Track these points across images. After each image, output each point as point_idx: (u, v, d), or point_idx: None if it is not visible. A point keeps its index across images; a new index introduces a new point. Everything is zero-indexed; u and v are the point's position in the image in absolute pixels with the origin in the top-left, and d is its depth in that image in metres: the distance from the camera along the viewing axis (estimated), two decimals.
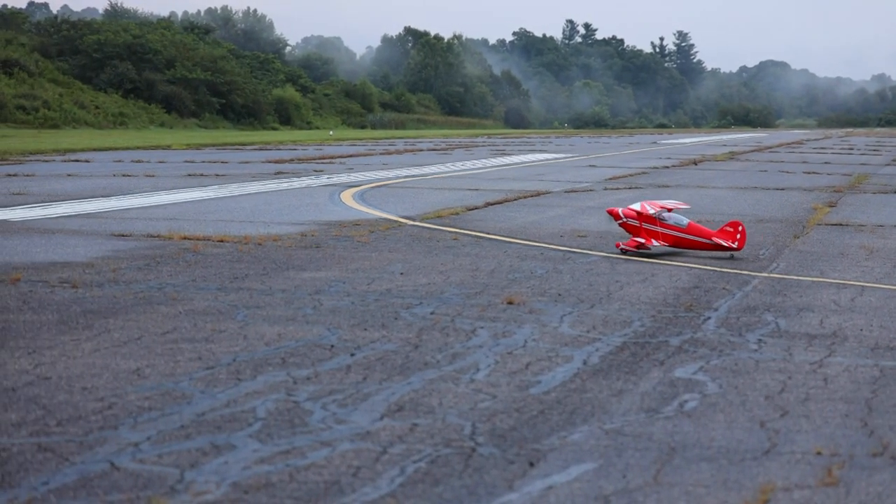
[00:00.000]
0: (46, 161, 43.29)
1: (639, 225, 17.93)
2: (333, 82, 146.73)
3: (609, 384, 9.16)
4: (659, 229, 17.82)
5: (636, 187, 33.67)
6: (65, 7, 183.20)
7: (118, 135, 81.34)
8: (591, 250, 17.94)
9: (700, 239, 17.74)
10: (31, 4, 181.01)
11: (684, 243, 17.80)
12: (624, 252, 17.58)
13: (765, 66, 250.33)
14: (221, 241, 17.80)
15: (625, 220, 18.09)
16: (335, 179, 35.12)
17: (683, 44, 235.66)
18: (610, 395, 8.83)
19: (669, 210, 18.32)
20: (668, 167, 46.79)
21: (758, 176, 40.72)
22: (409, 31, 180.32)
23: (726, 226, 17.83)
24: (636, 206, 18.12)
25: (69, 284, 13.27)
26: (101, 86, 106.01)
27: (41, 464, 6.72)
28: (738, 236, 17.51)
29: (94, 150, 54.01)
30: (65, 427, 7.47)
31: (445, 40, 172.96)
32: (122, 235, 18.44)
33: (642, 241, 17.62)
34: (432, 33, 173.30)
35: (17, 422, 7.55)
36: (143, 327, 10.87)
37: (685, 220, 18.03)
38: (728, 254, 17.55)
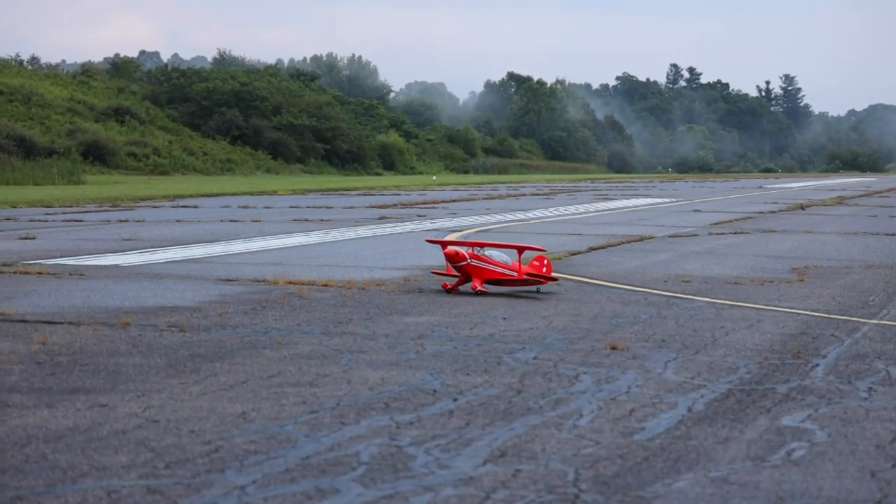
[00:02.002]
0: (156, 207, 44.05)
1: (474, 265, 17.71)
2: (436, 128, 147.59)
3: (714, 431, 9.06)
4: (486, 266, 17.70)
5: (742, 232, 33.35)
6: (175, 56, 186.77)
7: (225, 180, 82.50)
8: (695, 296, 17.79)
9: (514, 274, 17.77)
10: (142, 53, 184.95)
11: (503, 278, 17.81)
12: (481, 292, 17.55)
13: (874, 110, 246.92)
14: (325, 285, 17.95)
15: (469, 261, 17.66)
16: (438, 224, 35.26)
17: (790, 87, 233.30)
18: (715, 442, 8.73)
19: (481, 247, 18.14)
20: (774, 212, 46.29)
21: (867, 221, 40.13)
22: (512, 77, 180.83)
23: (534, 260, 18.10)
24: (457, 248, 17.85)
25: (177, 328, 13.47)
26: (209, 132, 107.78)
27: None
28: (545, 269, 17.97)
29: (202, 195, 54.86)
30: (173, 469, 7.57)
31: (548, 85, 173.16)
32: (229, 280, 18.68)
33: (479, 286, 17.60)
34: (535, 78, 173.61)
35: (126, 464, 7.66)
36: (249, 371, 11.00)
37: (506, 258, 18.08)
38: (535, 288, 17.89)
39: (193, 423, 8.83)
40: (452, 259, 17.56)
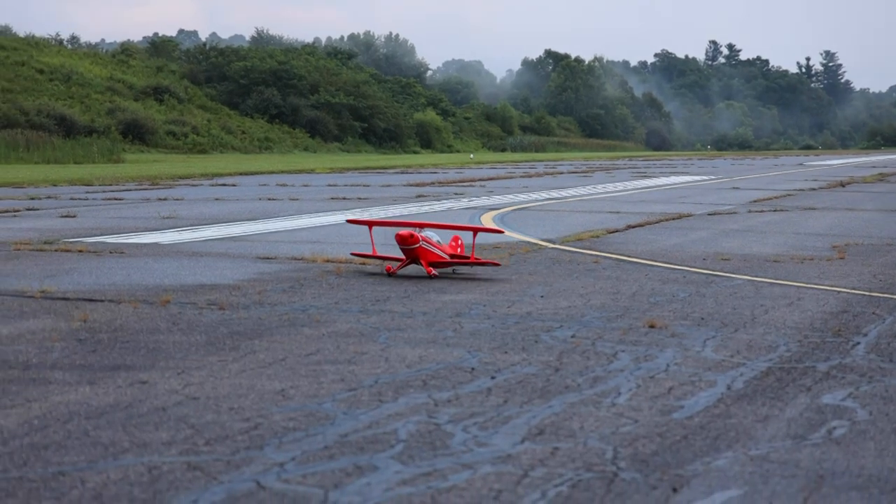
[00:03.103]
0: (195, 185, 44.23)
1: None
2: (474, 105, 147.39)
3: (754, 410, 9.03)
4: (432, 248, 16.83)
5: (781, 210, 33.16)
6: (213, 34, 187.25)
7: (264, 159, 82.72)
8: (734, 273, 17.71)
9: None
10: (180, 32, 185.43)
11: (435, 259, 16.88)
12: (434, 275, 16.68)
13: None
14: (363, 263, 17.98)
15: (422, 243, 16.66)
16: (475, 202, 35.24)
17: (830, 63, 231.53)
18: (755, 420, 8.70)
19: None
20: (814, 189, 46.01)
21: None
22: (550, 54, 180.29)
23: (451, 240, 17.47)
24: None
25: (216, 306, 13.53)
26: (247, 111, 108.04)
27: (191, 482, 6.86)
28: (460, 250, 17.36)
29: (241, 174, 55.02)
30: (213, 446, 7.62)
31: (586, 62, 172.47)
32: (267, 258, 18.74)
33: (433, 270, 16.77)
34: (573, 56, 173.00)
35: (167, 441, 7.72)
36: (288, 349, 11.04)
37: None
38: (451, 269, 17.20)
39: (233, 401, 8.88)
40: (406, 241, 16.43)
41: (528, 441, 7.95)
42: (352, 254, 18.18)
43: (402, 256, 16.97)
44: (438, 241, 16.96)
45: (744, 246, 22.12)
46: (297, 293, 14.83)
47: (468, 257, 17.25)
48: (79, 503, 6.44)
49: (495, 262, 17.24)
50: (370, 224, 18.30)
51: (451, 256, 17.07)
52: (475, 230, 17.80)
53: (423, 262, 16.64)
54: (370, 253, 17.62)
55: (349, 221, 19.28)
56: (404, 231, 16.62)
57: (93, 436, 7.78)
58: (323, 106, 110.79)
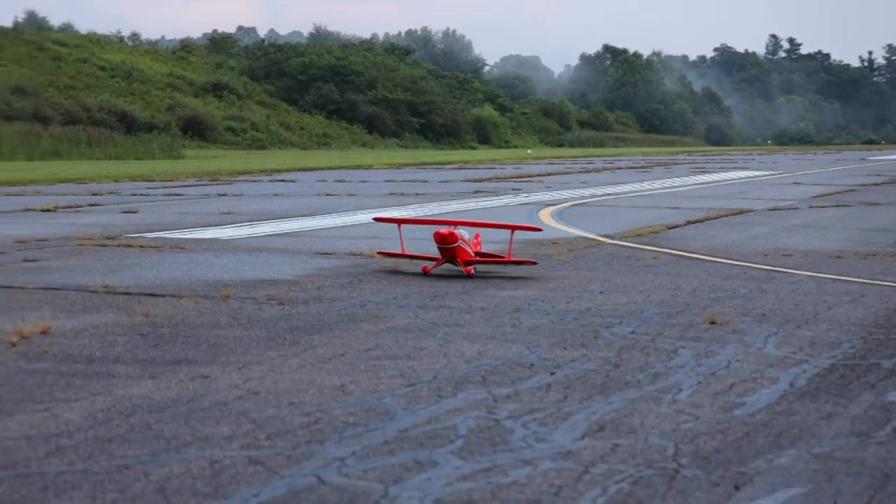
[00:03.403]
0: (254, 181, 44.48)
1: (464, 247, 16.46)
2: (531, 101, 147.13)
3: (817, 407, 8.95)
4: (466, 246, 16.43)
5: (844, 205, 32.86)
6: (271, 31, 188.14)
7: (322, 155, 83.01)
8: (796, 269, 17.57)
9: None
10: (239, 29, 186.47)
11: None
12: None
13: None
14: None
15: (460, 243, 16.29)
16: (533, 198, 35.18)
17: (893, 57, 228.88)
18: (818, 418, 8.62)
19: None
20: (877, 184, 45.55)
21: None
22: (608, 49, 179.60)
23: (473, 238, 16.83)
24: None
25: (276, 301, 13.59)
26: (305, 107, 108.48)
27: (252, 476, 6.89)
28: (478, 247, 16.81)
29: (299, 169, 55.26)
30: (274, 441, 7.65)
31: (644, 57, 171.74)
32: (326, 254, 18.81)
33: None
34: (631, 50, 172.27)
35: (228, 435, 7.76)
36: (347, 344, 11.07)
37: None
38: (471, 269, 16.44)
39: (293, 395, 8.91)
40: (446, 240, 16.07)
41: (588, 437, 7.92)
42: (378, 252, 17.73)
43: (424, 254, 16.83)
44: (469, 240, 16.65)
45: (805, 242, 21.93)
46: (356, 288, 14.87)
47: (502, 256, 16.98)
48: (142, 496, 6.49)
49: (531, 260, 16.86)
50: (399, 222, 18.05)
51: (480, 254, 16.75)
52: (512, 228, 17.43)
53: (459, 260, 16.28)
54: (398, 251, 17.21)
55: (376, 220, 19.01)
56: (444, 229, 16.25)
57: (155, 429, 7.84)
58: (380, 102, 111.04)
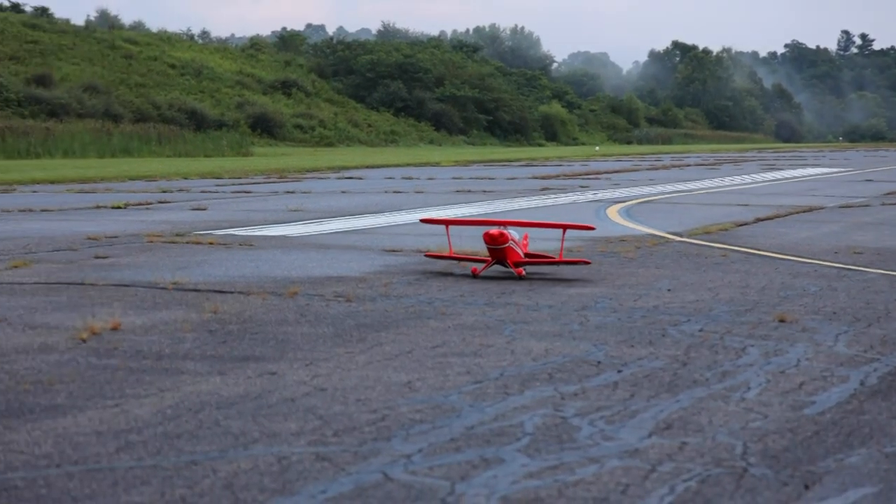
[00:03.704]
0: (322, 178, 44.70)
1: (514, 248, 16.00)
2: (599, 98, 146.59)
3: (889, 406, 8.84)
4: (516, 247, 16.00)
5: None
6: (340, 28, 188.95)
7: (389, 152, 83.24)
8: (867, 267, 17.36)
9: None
10: (308, 26, 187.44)
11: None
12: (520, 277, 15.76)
13: None
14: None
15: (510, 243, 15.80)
16: (601, 195, 35.06)
17: None
18: (890, 417, 8.52)
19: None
20: None
21: None
22: (677, 45, 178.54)
23: (522, 238, 16.44)
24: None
25: (343, 298, 13.64)
26: (373, 104, 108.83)
27: (319, 473, 6.92)
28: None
29: (367, 167, 55.45)
30: (341, 437, 7.68)
31: (714, 53, 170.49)
32: (393, 251, 18.85)
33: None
34: (700, 47, 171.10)
35: (296, 431, 7.80)
36: (414, 341, 11.08)
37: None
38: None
39: (360, 392, 8.94)
40: (497, 240, 15.62)
41: (655, 435, 7.88)
42: (426, 255, 17.24)
43: (473, 255, 16.45)
44: (518, 241, 16.20)
45: (877, 239, 21.67)
46: (423, 285, 14.89)
47: (553, 256, 16.56)
48: (210, 492, 6.54)
49: (584, 260, 16.28)
50: (446, 223, 17.31)
51: (530, 255, 16.34)
52: (564, 227, 16.78)
53: (509, 262, 15.77)
54: (446, 253, 16.76)
55: (423, 221, 18.43)
56: (494, 230, 15.75)
57: (224, 425, 7.90)
58: (448, 99, 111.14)
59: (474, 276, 15.79)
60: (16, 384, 9.01)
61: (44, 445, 7.37)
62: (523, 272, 15.85)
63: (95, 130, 68.55)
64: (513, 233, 16.03)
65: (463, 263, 16.70)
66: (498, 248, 15.71)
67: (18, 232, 21.43)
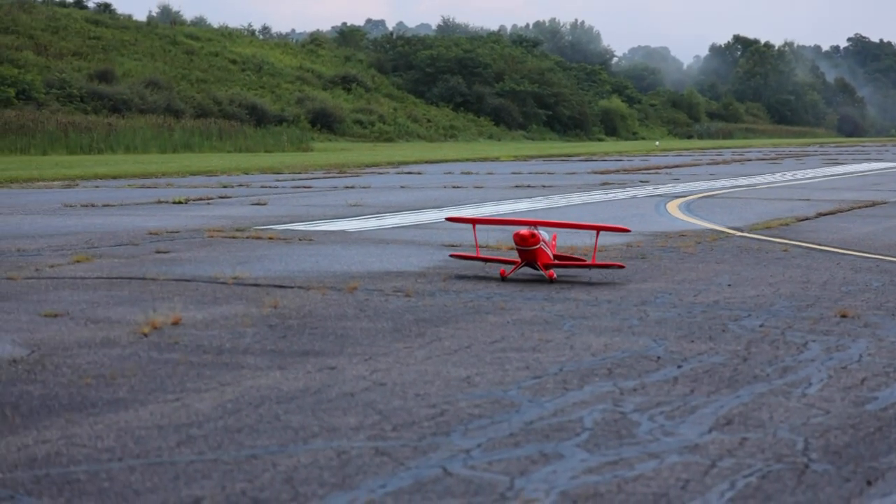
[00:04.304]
0: (381, 173, 44.81)
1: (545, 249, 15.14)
2: (660, 92, 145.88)
3: None
4: (546, 248, 15.15)
5: None
6: (400, 23, 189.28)
7: (448, 147, 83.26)
8: None
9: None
10: (368, 21, 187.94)
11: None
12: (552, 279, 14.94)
13: None
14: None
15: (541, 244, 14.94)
16: (661, 190, 34.88)
17: None
18: None
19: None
20: None
21: None
22: (738, 40, 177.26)
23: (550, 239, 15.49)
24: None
25: (402, 293, 13.67)
26: (432, 99, 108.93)
27: (378, 467, 6.94)
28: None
29: (426, 162, 55.51)
30: (400, 432, 7.70)
31: (776, 47, 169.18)
32: (452, 245, 18.85)
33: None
34: (762, 41, 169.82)
35: (355, 426, 7.83)
36: (473, 336, 11.09)
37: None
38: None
39: (419, 387, 8.96)
40: (527, 241, 14.74)
41: (715, 431, 7.83)
42: (451, 255, 16.60)
43: (504, 257, 15.77)
44: (549, 242, 15.32)
45: None
46: (482, 280, 14.88)
47: (584, 259, 15.78)
48: (270, 486, 6.58)
49: (619, 263, 15.43)
50: (473, 222, 16.54)
51: (560, 258, 15.55)
52: (598, 228, 15.85)
53: (539, 264, 14.91)
54: (472, 254, 16.11)
55: (448, 219, 17.47)
56: (525, 230, 14.85)
57: (284, 420, 7.94)
58: (508, 94, 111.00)
59: (503, 278, 15.02)
60: (78, 378, 9.11)
61: (106, 439, 7.44)
62: (554, 275, 15.01)
63: (157, 126, 69.13)
64: (543, 233, 15.20)
65: (491, 265, 16.01)
66: (528, 250, 14.87)
67: (81, 227, 21.65)
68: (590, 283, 14.76)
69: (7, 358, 9.80)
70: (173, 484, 6.58)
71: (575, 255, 16.28)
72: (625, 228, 16.77)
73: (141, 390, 8.75)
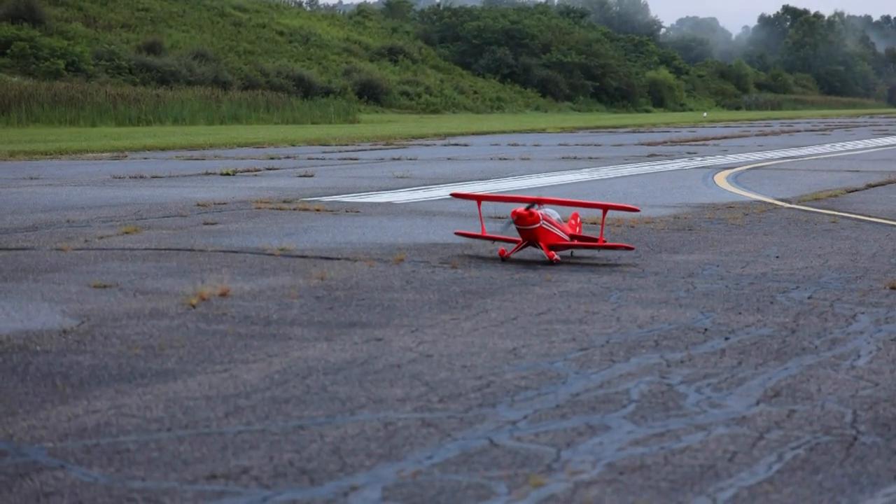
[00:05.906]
0: (428, 145, 44.78)
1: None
2: (708, 63, 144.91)
3: None
4: (552, 228, 14.10)
5: None
6: None
7: (495, 119, 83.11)
8: None
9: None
10: None
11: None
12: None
13: None
14: (594, 223, 17.86)
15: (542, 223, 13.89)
16: (709, 161, 34.68)
17: None
18: None
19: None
20: None
21: None
22: (788, 10, 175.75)
23: (571, 218, 14.87)
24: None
25: (449, 265, 13.67)
26: (479, 71, 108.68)
27: (425, 438, 6.96)
28: (578, 229, 14.82)
29: (473, 133, 55.43)
30: (446, 403, 7.72)
31: (825, 18, 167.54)
32: (499, 218, 18.81)
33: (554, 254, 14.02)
34: (811, 11, 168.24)
35: (402, 397, 7.85)
36: (519, 308, 11.08)
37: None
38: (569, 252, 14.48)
39: (465, 359, 8.97)
40: (524, 220, 13.75)
41: (763, 403, 7.80)
42: (455, 233, 15.95)
43: (506, 236, 14.69)
44: (559, 220, 14.27)
45: None
46: (528, 251, 14.85)
47: (594, 239, 14.87)
48: (318, 456, 6.62)
49: (627, 245, 14.57)
50: (478, 199, 15.82)
51: (572, 237, 14.48)
52: (605, 207, 14.99)
53: (541, 244, 13.90)
54: (478, 233, 15.17)
55: (453, 195, 16.96)
56: (521, 208, 13.89)
57: (330, 391, 7.97)
58: (554, 65, 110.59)
59: (502, 258, 14.17)
60: (127, 349, 9.19)
61: (155, 409, 7.51)
62: (556, 256, 13.96)
63: (204, 97, 69.37)
64: (550, 211, 14.17)
65: (497, 244, 15.01)
66: (528, 229, 13.82)
67: (129, 198, 21.79)
68: (637, 256, 14.71)
69: (57, 328, 9.89)
70: (221, 454, 6.63)
71: (583, 235, 15.16)
72: (634, 208, 15.57)
73: (189, 361, 8.82)
